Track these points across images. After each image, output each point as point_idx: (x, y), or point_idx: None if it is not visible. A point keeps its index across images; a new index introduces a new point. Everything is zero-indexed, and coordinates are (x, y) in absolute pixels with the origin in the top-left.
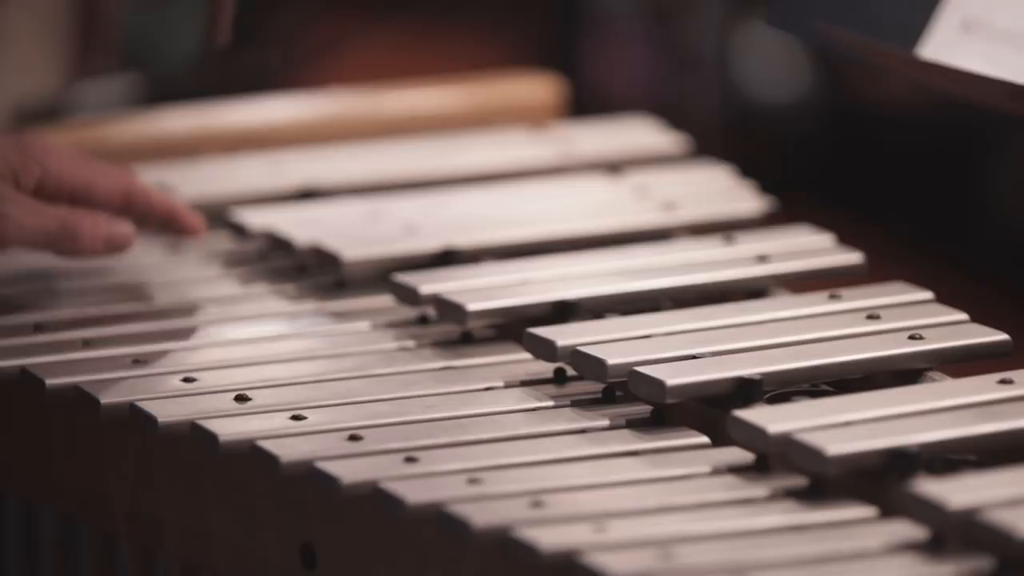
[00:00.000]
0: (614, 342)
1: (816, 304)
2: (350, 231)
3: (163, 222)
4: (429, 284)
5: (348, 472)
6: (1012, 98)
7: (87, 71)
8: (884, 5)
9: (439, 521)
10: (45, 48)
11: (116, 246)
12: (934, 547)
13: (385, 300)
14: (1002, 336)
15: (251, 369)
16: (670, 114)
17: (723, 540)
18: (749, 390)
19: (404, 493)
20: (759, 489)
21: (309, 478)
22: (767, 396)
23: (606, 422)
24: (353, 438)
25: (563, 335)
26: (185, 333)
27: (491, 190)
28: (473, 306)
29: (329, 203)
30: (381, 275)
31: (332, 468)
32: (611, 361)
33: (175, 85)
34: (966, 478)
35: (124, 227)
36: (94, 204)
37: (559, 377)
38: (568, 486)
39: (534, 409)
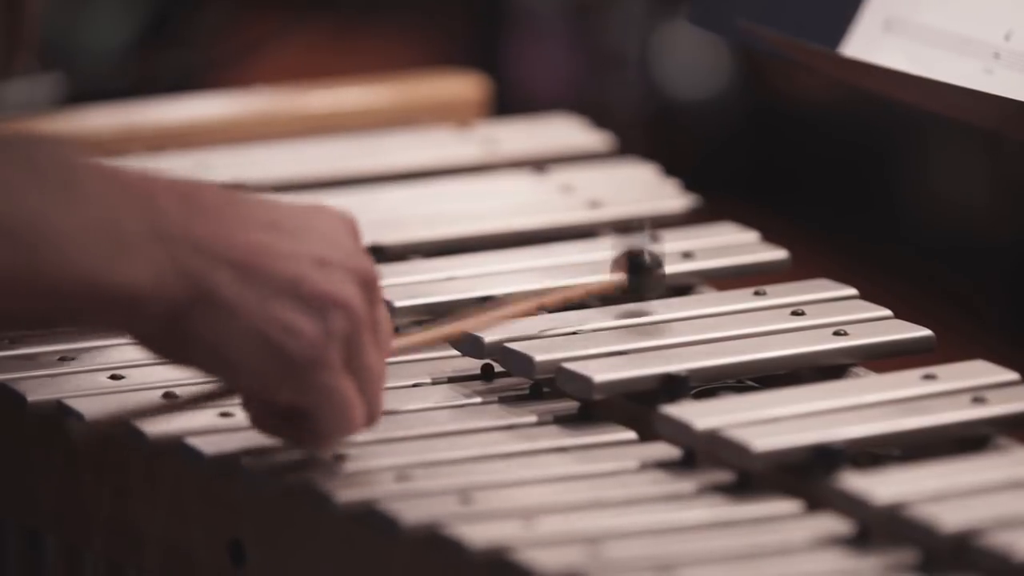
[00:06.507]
0: (541, 338)
1: (741, 301)
2: None
3: None
4: None
5: (277, 469)
6: (932, 95)
7: (10, 71)
8: (807, 3)
9: (368, 518)
10: None
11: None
12: (859, 541)
13: None
14: (925, 332)
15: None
16: (592, 112)
17: (651, 535)
18: (675, 386)
19: (333, 490)
20: (686, 484)
21: (238, 475)
22: (693, 392)
23: (534, 418)
24: None
25: (490, 331)
26: None
27: (417, 188)
28: (400, 302)
29: None
30: None
31: (261, 465)
32: (538, 357)
33: (98, 84)
34: (891, 472)
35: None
36: None
37: (487, 374)
38: (496, 482)
39: (462, 405)
